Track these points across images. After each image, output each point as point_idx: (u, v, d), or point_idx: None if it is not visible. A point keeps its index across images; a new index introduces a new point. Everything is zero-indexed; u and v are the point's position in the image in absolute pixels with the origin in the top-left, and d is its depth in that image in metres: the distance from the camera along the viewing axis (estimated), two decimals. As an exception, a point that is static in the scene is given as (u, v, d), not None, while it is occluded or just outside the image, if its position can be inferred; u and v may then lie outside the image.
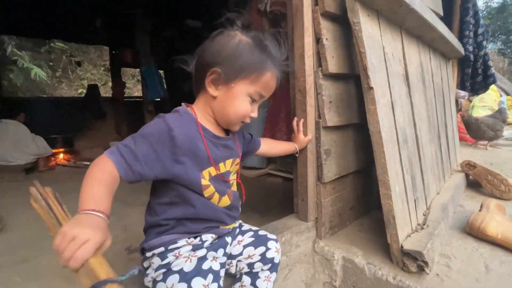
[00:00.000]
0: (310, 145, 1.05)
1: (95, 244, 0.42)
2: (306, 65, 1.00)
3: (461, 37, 2.79)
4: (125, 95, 5.20)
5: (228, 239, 0.75)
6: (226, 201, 0.73)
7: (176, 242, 0.66)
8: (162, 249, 0.65)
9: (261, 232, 0.81)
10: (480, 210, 1.21)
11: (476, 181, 1.70)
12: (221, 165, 0.71)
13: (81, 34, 4.55)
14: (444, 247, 1.05)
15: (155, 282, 0.64)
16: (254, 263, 0.76)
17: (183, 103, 0.72)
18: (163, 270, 0.63)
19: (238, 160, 0.77)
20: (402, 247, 0.91)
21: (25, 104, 3.88)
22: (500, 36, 15.75)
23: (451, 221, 1.26)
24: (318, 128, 1.05)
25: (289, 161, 2.49)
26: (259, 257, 0.76)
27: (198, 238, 0.69)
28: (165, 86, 4.39)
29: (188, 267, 0.62)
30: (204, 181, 0.67)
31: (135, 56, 3.86)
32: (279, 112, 2.20)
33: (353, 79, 1.19)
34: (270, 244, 0.78)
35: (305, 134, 1.03)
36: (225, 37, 0.67)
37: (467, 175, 1.80)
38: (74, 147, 4.19)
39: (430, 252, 0.89)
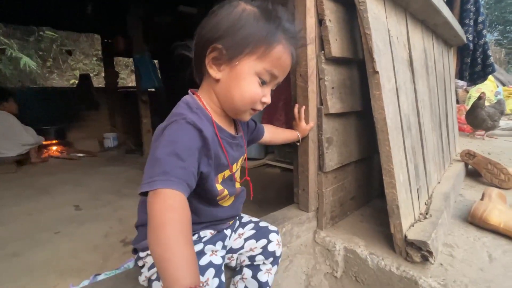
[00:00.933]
0: (312, 133, 1.01)
1: None
2: (308, 48, 0.95)
3: (461, 26, 2.75)
4: (118, 85, 5.07)
5: (227, 231, 0.71)
6: (232, 199, 0.69)
7: None
8: None
9: (262, 224, 0.77)
10: (481, 199, 1.20)
11: (475, 171, 1.69)
12: (234, 165, 0.67)
13: (71, 21, 4.37)
14: (446, 237, 1.03)
15: (150, 281, 0.60)
16: (255, 255, 0.73)
17: (189, 90, 0.63)
18: None
19: (245, 155, 0.72)
20: (405, 237, 0.88)
21: (14, 94, 3.75)
22: (497, 26, 15.71)
23: (452, 211, 1.25)
24: (320, 116, 1.01)
25: (288, 151, 2.46)
26: (261, 250, 0.73)
27: (196, 235, 0.64)
28: (160, 77, 4.28)
29: None
30: (219, 186, 0.62)
31: (128, 44, 3.73)
32: (278, 100, 2.15)
33: (356, 64, 1.14)
34: (272, 236, 0.74)
35: (307, 122, 0.99)
36: (226, 8, 0.56)
37: (466, 165, 1.79)
38: (67, 138, 4.10)
39: (434, 242, 0.87)
